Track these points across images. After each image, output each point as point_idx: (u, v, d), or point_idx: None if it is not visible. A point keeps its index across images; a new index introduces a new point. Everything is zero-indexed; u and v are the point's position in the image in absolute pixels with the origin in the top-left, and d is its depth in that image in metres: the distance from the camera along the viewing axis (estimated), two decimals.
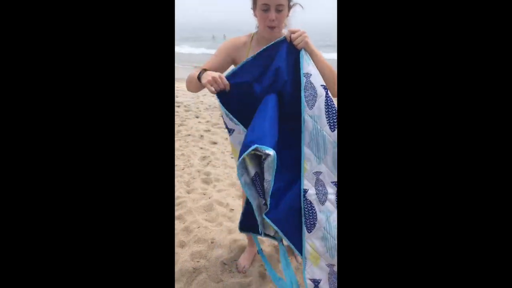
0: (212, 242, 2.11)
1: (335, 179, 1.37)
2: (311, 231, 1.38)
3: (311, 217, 1.38)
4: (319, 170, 1.38)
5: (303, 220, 1.39)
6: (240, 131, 1.39)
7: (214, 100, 5.94)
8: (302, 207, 1.39)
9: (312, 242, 1.38)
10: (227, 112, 1.36)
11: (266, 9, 1.36)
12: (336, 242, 1.35)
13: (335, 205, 1.37)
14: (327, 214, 1.36)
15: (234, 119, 1.38)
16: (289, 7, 1.42)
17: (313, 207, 1.39)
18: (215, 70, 1.41)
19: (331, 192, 1.37)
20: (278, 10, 1.37)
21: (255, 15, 1.44)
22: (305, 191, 1.39)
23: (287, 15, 1.42)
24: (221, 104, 1.35)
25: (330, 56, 7.51)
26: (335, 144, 1.34)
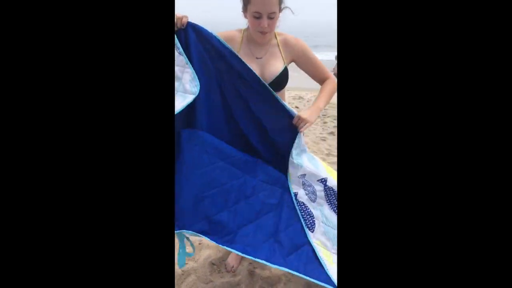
0: (200, 243, 2.10)
1: (321, 177, 1.46)
2: (313, 230, 1.45)
3: (308, 217, 1.47)
4: (303, 172, 1.48)
5: (303, 222, 1.46)
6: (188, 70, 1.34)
7: None
8: (297, 209, 1.48)
9: (317, 239, 1.44)
10: (182, 52, 1.33)
11: (258, 16, 1.35)
12: (335, 231, 1.41)
13: (325, 199, 1.46)
14: (320, 208, 1.45)
15: (185, 57, 1.34)
16: (280, 10, 1.42)
17: (307, 207, 1.48)
18: None
19: (320, 189, 1.46)
20: (270, 17, 1.36)
21: (245, 16, 1.44)
22: (296, 194, 1.49)
23: (278, 18, 1.43)
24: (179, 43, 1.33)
25: (319, 57, 7.45)
26: (303, 147, 1.50)
